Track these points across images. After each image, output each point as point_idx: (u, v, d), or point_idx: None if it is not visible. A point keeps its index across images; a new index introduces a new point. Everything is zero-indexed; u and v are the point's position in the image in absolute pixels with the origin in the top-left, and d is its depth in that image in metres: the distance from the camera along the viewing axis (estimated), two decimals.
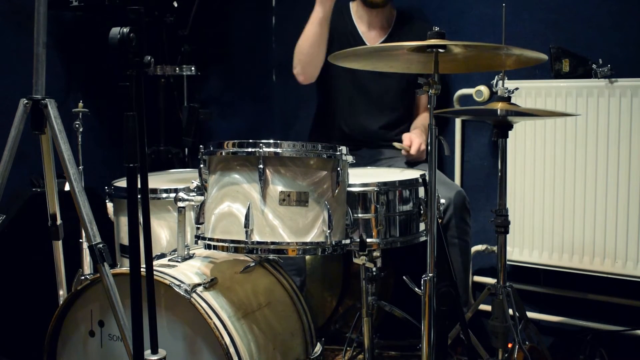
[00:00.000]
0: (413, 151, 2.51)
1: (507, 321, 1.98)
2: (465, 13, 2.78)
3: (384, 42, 2.67)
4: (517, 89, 2.08)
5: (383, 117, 2.70)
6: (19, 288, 2.27)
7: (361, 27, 2.71)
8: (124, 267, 1.94)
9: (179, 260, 1.93)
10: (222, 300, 1.80)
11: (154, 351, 1.54)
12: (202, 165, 1.84)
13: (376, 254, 2.00)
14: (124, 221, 2.25)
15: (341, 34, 2.67)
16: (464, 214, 2.38)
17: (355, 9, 2.73)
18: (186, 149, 2.95)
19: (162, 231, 2.17)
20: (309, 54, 2.60)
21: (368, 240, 1.91)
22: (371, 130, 2.70)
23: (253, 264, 2.01)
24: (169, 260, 1.94)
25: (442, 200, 2.13)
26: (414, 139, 2.53)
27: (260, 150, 1.72)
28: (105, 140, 2.85)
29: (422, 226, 2.02)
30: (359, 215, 1.92)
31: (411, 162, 2.56)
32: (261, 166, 1.72)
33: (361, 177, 2.02)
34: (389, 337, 2.38)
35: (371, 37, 2.70)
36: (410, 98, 2.75)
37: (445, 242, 1.91)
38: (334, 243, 1.78)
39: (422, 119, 2.75)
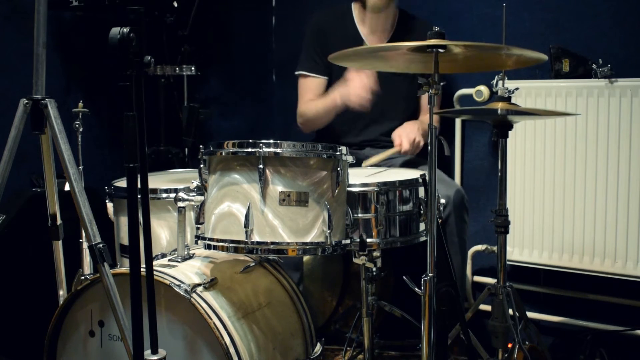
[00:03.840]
0: (405, 146, 2.42)
1: (507, 321, 1.98)
2: (465, 13, 2.78)
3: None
4: (517, 88, 2.08)
5: (386, 121, 2.69)
6: (19, 288, 2.27)
7: (363, 30, 2.68)
8: (124, 267, 1.94)
9: (179, 260, 1.93)
10: (222, 300, 1.80)
11: (154, 351, 1.54)
12: (202, 165, 1.84)
13: (376, 254, 2.01)
14: (124, 221, 2.25)
15: (343, 36, 2.64)
16: (462, 212, 2.38)
17: (357, 12, 2.69)
18: (186, 149, 2.95)
19: (162, 231, 2.17)
20: (316, 127, 2.69)
21: (368, 240, 1.91)
22: (374, 132, 2.70)
23: (253, 264, 2.01)
24: (169, 260, 1.94)
25: (442, 200, 2.13)
26: (402, 136, 2.45)
27: (260, 150, 1.73)
28: (105, 140, 2.85)
29: (422, 226, 2.02)
30: (359, 215, 1.93)
31: (411, 161, 2.54)
32: (261, 166, 1.72)
33: (361, 177, 2.02)
34: (389, 337, 2.38)
35: (374, 41, 2.66)
36: (413, 101, 2.74)
37: (445, 241, 1.91)
38: (334, 243, 1.78)
39: (421, 116, 2.73)
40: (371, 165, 2.43)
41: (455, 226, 2.35)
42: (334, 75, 2.65)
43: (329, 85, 2.68)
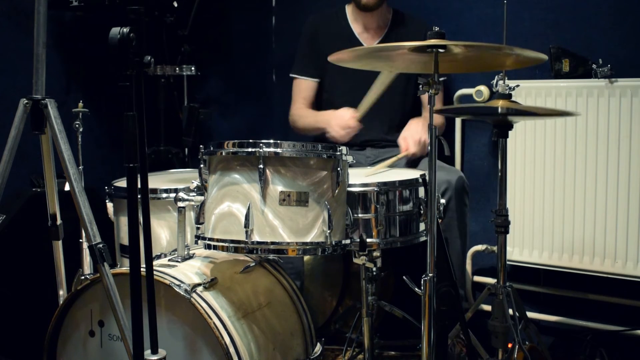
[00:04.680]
0: (412, 149, 2.43)
1: (507, 321, 1.98)
2: (465, 13, 2.78)
3: (380, 42, 2.68)
4: (517, 86, 2.08)
5: (386, 119, 2.70)
6: (19, 288, 2.27)
7: (357, 29, 2.73)
8: (124, 267, 1.94)
9: (179, 260, 1.93)
10: (222, 300, 1.80)
11: (154, 351, 1.54)
12: (202, 165, 1.84)
13: (376, 254, 2.00)
14: (124, 221, 2.25)
15: (337, 36, 2.70)
16: (463, 196, 2.39)
17: (350, 11, 2.75)
18: (186, 149, 2.95)
19: (162, 231, 2.17)
20: (303, 134, 2.78)
21: (368, 240, 1.91)
22: (374, 132, 2.71)
23: (253, 264, 2.01)
24: (169, 260, 1.94)
25: (442, 200, 2.13)
26: (407, 138, 2.47)
27: (261, 150, 1.73)
28: (105, 140, 2.86)
29: (422, 226, 2.02)
30: (359, 215, 1.92)
31: (415, 161, 2.54)
32: (261, 166, 1.72)
33: (361, 177, 2.02)
34: (389, 337, 2.38)
35: (367, 38, 2.71)
36: (412, 98, 2.75)
37: (444, 240, 1.91)
38: (334, 243, 1.78)
39: (424, 114, 2.74)
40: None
41: (455, 210, 2.36)
42: (327, 76, 2.73)
43: (321, 87, 2.77)
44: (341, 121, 2.50)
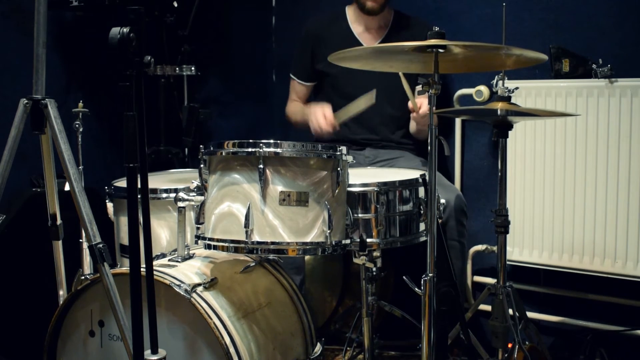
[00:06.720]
0: (422, 111, 2.42)
1: (507, 321, 1.98)
2: (465, 13, 2.78)
3: (381, 42, 2.68)
4: (517, 88, 2.09)
5: (386, 119, 2.71)
6: (19, 288, 2.27)
7: (357, 30, 2.73)
8: (124, 267, 1.94)
9: (179, 260, 1.93)
10: (222, 300, 1.80)
11: (154, 351, 1.54)
12: (202, 165, 1.84)
13: (376, 254, 2.00)
14: (124, 221, 2.25)
15: (337, 37, 2.70)
16: (461, 217, 2.39)
17: (351, 13, 2.75)
18: (186, 149, 2.95)
19: (162, 231, 2.17)
20: (296, 127, 2.85)
21: (368, 240, 1.91)
22: (374, 132, 2.71)
23: (253, 264, 2.01)
24: (169, 260, 1.94)
25: (442, 200, 2.13)
26: (423, 102, 2.46)
27: (261, 150, 1.73)
28: (105, 140, 2.85)
29: (422, 226, 2.02)
30: (359, 215, 1.92)
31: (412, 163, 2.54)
32: (261, 166, 1.72)
33: (361, 177, 2.02)
34: (389, 337, 2.38)
35: (368, 39, 2.71)
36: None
37: (445, 242, 1.91)
38: (334, 243, 1.78)
39: None
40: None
41: (455, 230, 2.37)
42: (326, 78, 2.75)
43: (321, 86, 2.81)
44: (316, 123, 2.53)
